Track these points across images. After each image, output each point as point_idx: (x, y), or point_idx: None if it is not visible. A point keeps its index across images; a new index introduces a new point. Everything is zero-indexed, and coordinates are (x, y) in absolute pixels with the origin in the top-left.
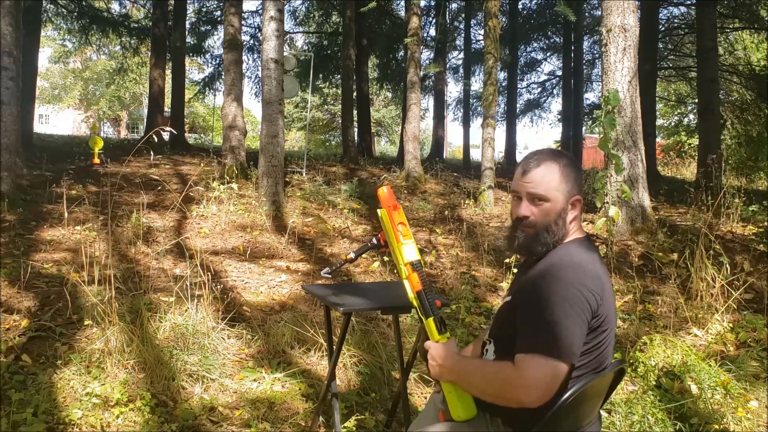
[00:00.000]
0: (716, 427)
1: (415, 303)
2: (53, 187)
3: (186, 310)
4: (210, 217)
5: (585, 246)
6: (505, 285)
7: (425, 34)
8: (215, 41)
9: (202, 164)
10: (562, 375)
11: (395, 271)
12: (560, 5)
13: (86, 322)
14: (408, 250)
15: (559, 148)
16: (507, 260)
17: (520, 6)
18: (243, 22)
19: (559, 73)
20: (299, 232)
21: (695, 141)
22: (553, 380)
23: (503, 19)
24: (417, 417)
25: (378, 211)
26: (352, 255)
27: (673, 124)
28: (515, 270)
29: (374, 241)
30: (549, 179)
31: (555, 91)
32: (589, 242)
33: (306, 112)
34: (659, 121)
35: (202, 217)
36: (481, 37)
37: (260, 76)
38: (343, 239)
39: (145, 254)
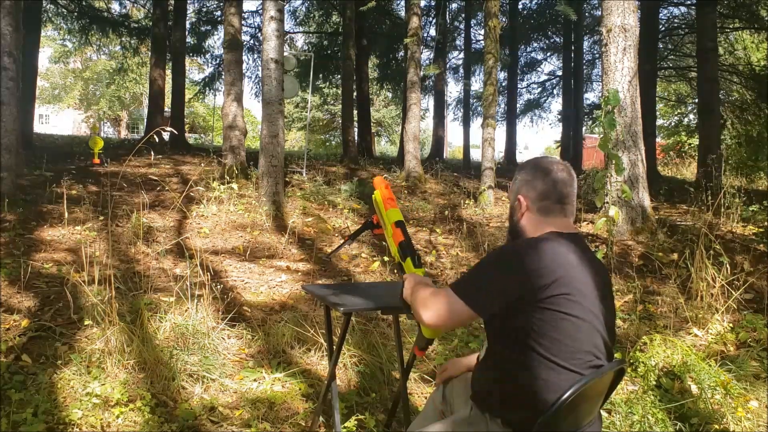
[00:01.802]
0: (716, 427)
1: (397, 255)
2: (53, 187)
3: (186, 310)
4: (210, 217)
5: (554, 236)
6: None
7: (425, 34)
8: (215, 41)
9: (202, 164)
10: (460, 314)
11: (396, 271)
12: (561, 5)
13: (86, 322)
14: (394, 214)
15: (554, 151)
16: None
17: (520, 6)
18: (243, 22)
19: (559, 73)
20: (299, 232)
21: (695, 141)
22: (450, 313)
23: (503, 19)
24: (417, 417)
25: (373, 195)
26: (347, 237)
27: (673, 124)
28: None
29: (369, 221)
30: (511, 186)
31: (555, 91)
32: (565, 236)
33: (306, 112)
34: (659, 121)
35: (202, 217)
36: (481, 37)
37: (260, 76)
38: (343, 239)
39: (145, 254)
